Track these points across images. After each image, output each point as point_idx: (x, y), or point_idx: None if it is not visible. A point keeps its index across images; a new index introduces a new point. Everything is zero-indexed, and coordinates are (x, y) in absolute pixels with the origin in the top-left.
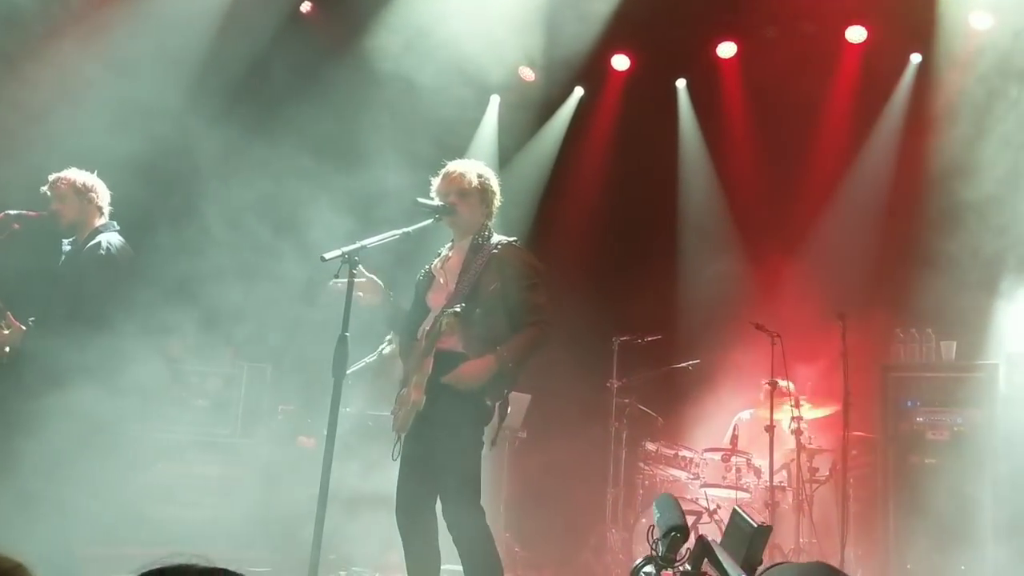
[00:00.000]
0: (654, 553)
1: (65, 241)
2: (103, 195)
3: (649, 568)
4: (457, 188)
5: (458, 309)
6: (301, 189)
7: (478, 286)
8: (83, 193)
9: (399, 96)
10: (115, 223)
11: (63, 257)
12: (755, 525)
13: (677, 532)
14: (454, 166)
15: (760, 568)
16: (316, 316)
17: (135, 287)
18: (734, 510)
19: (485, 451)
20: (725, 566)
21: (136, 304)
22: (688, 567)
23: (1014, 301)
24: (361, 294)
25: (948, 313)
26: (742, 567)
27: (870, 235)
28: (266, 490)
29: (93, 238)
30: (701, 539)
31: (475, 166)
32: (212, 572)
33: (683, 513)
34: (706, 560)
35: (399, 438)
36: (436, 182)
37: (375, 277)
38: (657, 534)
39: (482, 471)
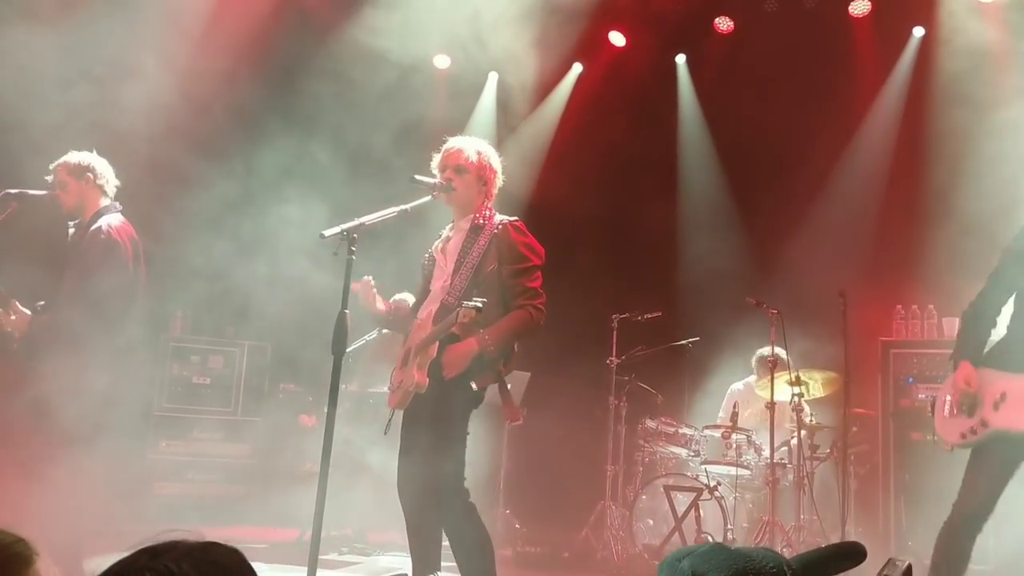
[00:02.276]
0: None
1: (70, 223)
2: (103, 173)
3: None
4: (454, 164)
5: (479, 305)
6: (300, 168)
7: (479, 270)
8: (81, 174)
9: (397, 73)
10: (118, 204)
11: (68, 240)
12: None
13: None
14: (454, 142)
15: None
16: (316, 294)
17: (138, 268)
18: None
19: (491, 429)
20: None
21: (139, 285)
22: None
23: None
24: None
25: (950, 289)
26: None
27: (871, 212)
28: (267, 468)
29: (95, 221)
30: None
31: (475, 143)
32: (202, 546)
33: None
34: None
35: (393, 413)
36: (436, 157)
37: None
38: None
39: (483, 449)
